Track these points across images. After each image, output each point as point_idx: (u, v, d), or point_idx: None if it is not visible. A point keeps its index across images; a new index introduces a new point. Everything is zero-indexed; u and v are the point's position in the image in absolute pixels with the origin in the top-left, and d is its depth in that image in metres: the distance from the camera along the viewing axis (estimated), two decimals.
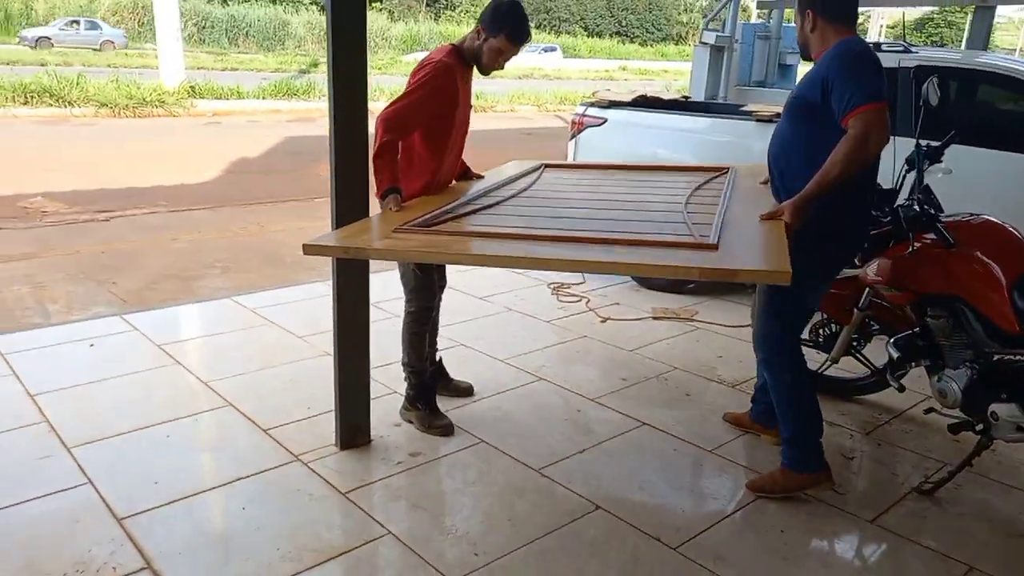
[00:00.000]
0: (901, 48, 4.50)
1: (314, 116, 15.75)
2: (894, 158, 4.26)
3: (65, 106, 13.87)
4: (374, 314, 3.09)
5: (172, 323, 4.36)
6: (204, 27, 38.46)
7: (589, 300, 4.95)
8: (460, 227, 2.53)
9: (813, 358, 3.57)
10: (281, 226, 7.05)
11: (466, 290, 5.00)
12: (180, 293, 5.01)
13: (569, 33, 55.95)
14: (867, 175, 2.56)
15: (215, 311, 4.63)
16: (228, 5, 42.13)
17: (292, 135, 12.92)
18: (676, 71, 41.35)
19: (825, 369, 3.49)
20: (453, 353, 3.95)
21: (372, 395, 3.09)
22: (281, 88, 17.57)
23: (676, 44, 62.28)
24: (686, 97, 6.37)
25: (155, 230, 6.70)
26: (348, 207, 2.76)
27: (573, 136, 5.48)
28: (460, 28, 48.67)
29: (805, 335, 3.51)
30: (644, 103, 5.55)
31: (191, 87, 16.07)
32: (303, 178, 9.39)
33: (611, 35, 63.10)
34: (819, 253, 2.50)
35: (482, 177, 3.40)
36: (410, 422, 3.22)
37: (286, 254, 6.10)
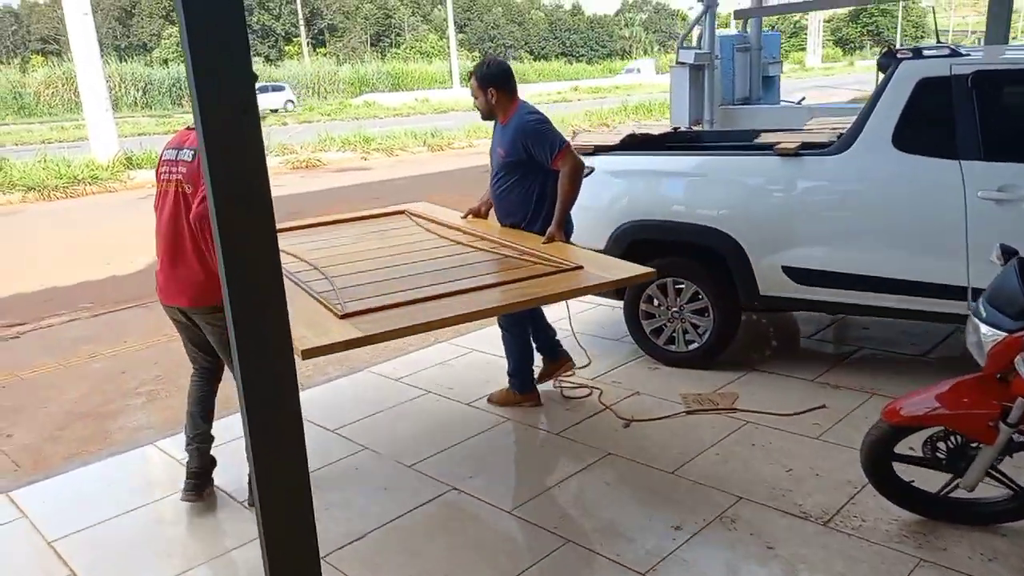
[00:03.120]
0: (948, 52, 3.67)
1: None
2: (964, 193, 3.42)
3: None
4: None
5: (72, 498, 3.32)
6: (147, 90, 37.29)
7: (601, 392, 4.01)
8: (383, 302, 2.70)
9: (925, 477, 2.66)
10: None
11: (448, 395, 4.04)
12: (90, 442, 3.97)
13: (515, 59, 55.81)
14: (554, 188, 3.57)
15: (132, 469, 3.61)
16: (168, 66, 40.99)
17: None
18: (626, 86, 41.12)
19: (949, 492, 2.59)
20: (439, 503, 2.99)
21: None
22: None
23: (622, 59, 62.70)
24: (676, 128, 5.52)
25: (72, 345, 5.64)
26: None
27: None
28: (407, 65, 48.09)
29: (918, 451, 2.62)
30: (635, 143, 4.67)
31: (127, 158, 14.98)
32: None
33: (556, 56, 63.17)
34: None
35: None
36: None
37: None
